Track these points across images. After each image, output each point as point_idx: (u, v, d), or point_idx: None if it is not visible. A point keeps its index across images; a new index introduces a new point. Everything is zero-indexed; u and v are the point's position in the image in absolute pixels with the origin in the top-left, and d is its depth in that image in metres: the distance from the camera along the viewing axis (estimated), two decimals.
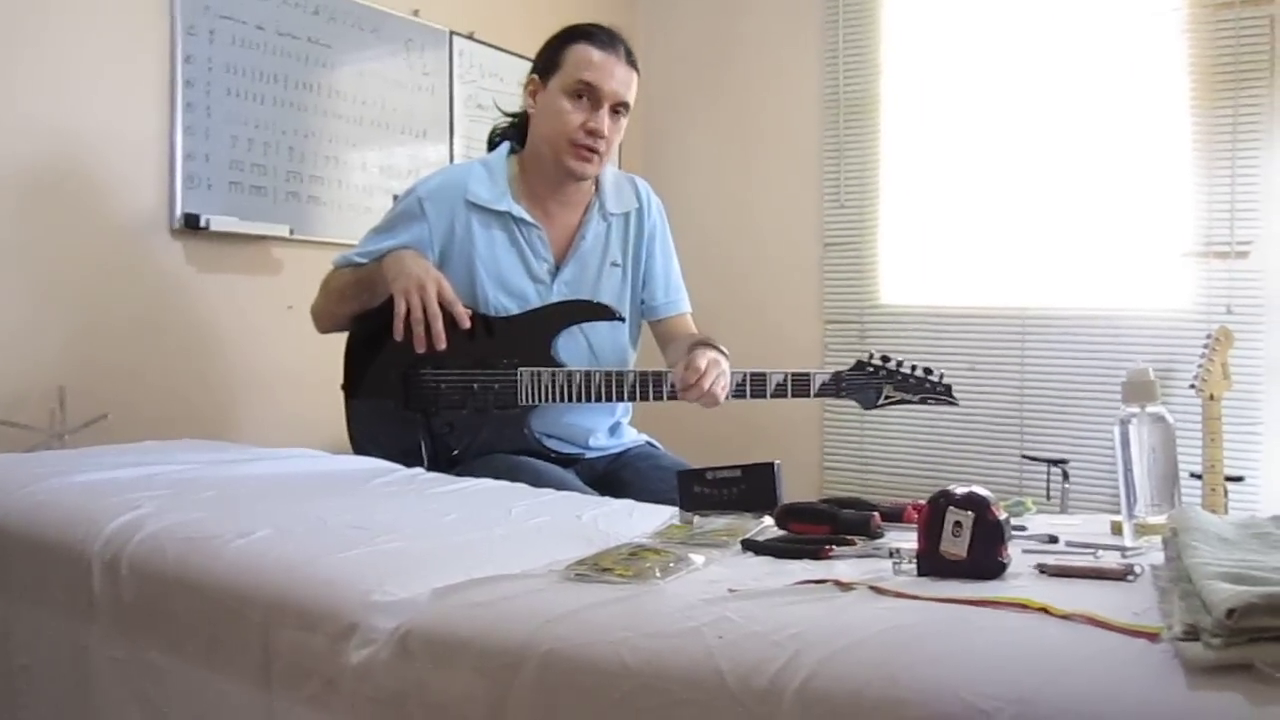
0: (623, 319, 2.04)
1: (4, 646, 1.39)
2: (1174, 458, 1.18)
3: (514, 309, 1.99)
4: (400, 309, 1.85)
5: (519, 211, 2.01)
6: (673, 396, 1.91)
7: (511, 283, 2.00)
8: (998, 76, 3.39)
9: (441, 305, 1.86)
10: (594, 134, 1.96)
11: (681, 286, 2.20)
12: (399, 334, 1.85)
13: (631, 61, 2.02)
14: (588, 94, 1.96)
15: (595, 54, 1.97)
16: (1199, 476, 2.76)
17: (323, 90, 2.85)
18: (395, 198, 2.89)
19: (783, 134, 3.80)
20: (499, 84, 3.29)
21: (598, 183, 2.10)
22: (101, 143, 2.39)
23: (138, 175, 2.46)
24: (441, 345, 1.85)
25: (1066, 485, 3.15)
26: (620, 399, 1.98)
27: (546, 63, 2.02)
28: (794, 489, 1.46)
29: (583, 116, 1.97)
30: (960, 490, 1.07)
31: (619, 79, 1.98)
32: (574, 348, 2.00)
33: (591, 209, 2.08)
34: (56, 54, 2.30)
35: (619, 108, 2.00)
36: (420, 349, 1.85)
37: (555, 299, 2.02)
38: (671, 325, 2.16)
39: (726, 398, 1.90)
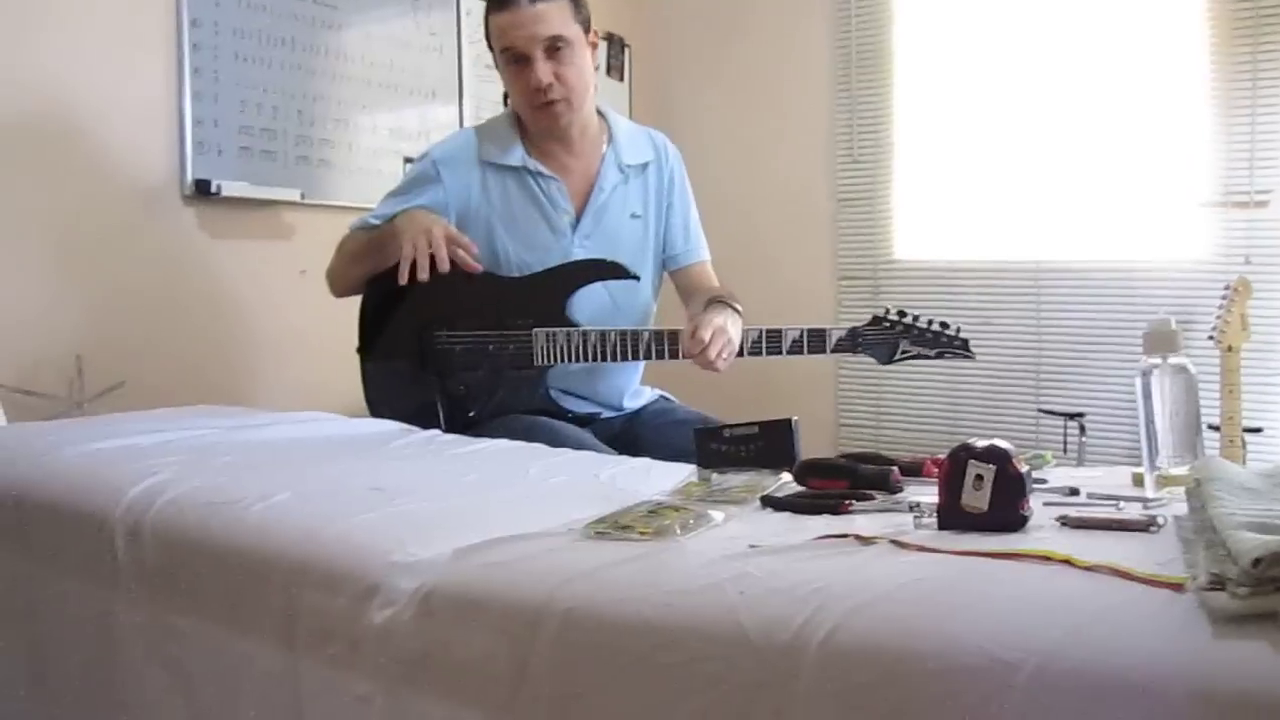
0: (638, 278, 2.03)
1: (29, 613, 1.41)
2: (1196, 408, 1.17)
3: (535, 264, 1.98)
4: (406, 251, 1.83)
5: (534, 165, 2.00)
6: (689, 355, 1.91)
7: (532, 237, 2.00)
8: (1013, 27, 3.34)
9: (453, 244, 1.85)
10: (537, 89, 1.93)
11: (701, 235, 2.19)
12: (403, 277, 1.83)
13: None
14: (515, 57, 1.93)
15: (500, 18, 1.92)
16: (1216, 428, 2.75)
17: (330, 53, 2.82)
18: (406, 160, 2.90)
19: (795, 90, 3.77)
20: None
21: (611, 135, 2.08)
22: (111, 110, 2.37)
23: (148, 142, 2.45)
24: (445, 267, 1.83)
25: (1083, 438, 3.14)
26: (635, 358, 1.97)
27: (487, 43, 2.01)
28: (809, 445, 1.46)
29: (523, 79, 1.94)
30: (981, 443, 1.06)
31: (528, 24, 1.90)
32: (595, 300, 1.99)
33: (607, 160, 2.06)
34: (62, 23, 2.28)
35: (553, 45, 1.92)
36: (423, 275, 1.82)
37: (577, 250, 2.01)
38: (691, 274, 2.15)
39: (736, 354, 1.89)
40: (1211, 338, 2.80)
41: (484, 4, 1.99)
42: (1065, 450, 3.13)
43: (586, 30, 1.99)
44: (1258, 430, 2.90)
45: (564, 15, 1.94)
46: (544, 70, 1.92)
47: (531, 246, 1.99)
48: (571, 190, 2.03)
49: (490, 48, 2.00)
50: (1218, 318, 2.80)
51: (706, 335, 1.82)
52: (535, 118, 1.97)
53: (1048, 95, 3.28)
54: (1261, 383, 2.96)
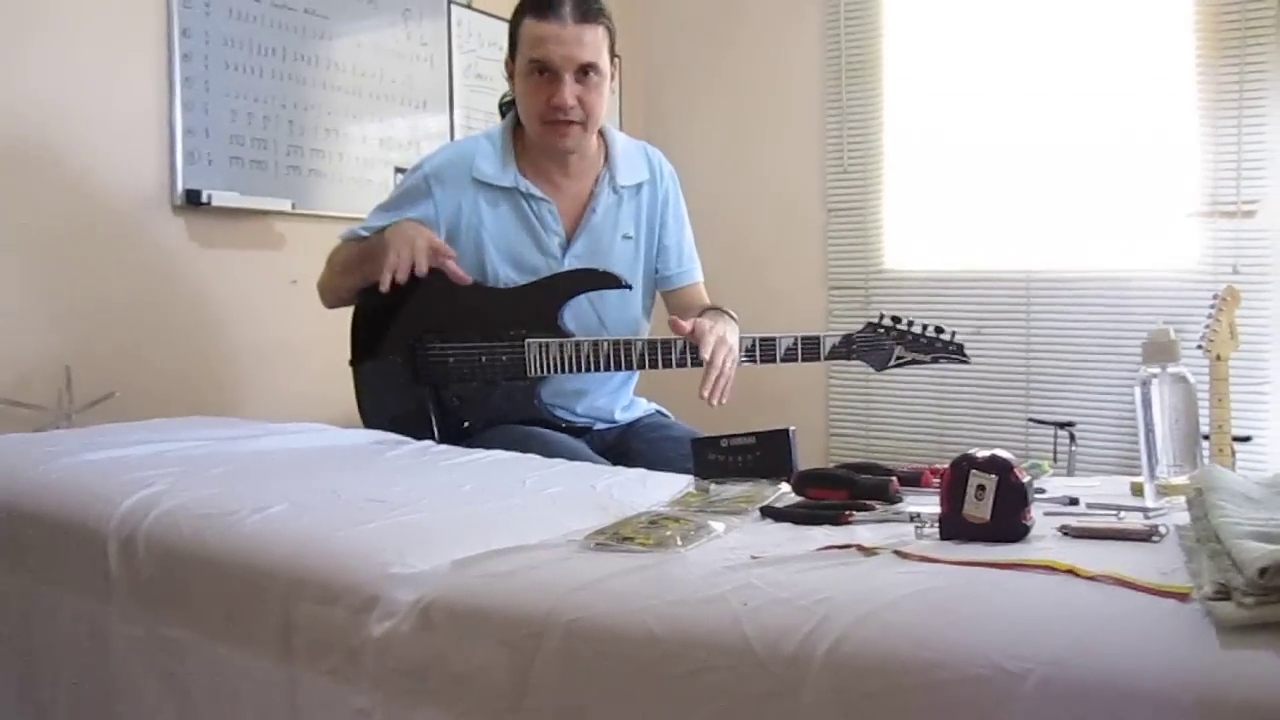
0: (630, 288, 2.01)
1: (23, 626, 1.39)
2: (1195, 418, 1.18)
3: (524, 283, 1.97)
4: (390, 260, 1.83)
5: (526, 186, 1.98)
6: (682, 364, 1.90)
7: (522, 258, 1.98)
8: (1001, 37, 3.35)
9: (438, 255, 1.85)
10: (558, 108, 1.90)
11: (694, 255, 2.17)
12: (385, 285, 1.83)
13: (586, 16, 1.89)
14: (544, 69, 1.90)
15: (540, 28, 1.88)
16: (1206, 437, 2.76)
17: (321, 62, 2.82)
18: (397, 170, 2.90)
19: (786, 100, 3.78)
20: (498, 53, 3.21)
21: (608, 154, 2.06)
22: (101, 120, 2.37)
23: (138, 152, 2.44)
24: (423, 270, 1.84)
25: (1073, 448, 3.15)
26: (629, 367, 1.96)
27: (509, 44, 1.97)
28: (801, 455, 1.45)
29: (545, 93, 1.90)
30: (982, 453, 1.06)
31: (569, 44, 1.88)
32: (584, 320, 1.98)
33: (601, 181, 2.04)
34: (53, 33, 2.27)
35: (586, 69, 1.90)
36: (402, 276, 1.82)
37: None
38: (685, 295, 2.14)
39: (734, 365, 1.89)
40: (1200, 347, 2.81)
41: (517, 4, 1.95)
42: (1055, 459, 3.13)
43: (612, 60, 1.97)
44: (1247, 439, 2.91)
45: (602, 44, 1.92)
46: (571, 91, 1.89)
47: (521, 267, 1.98)
48: (563, 210, 2.01)
49: (512, 50, 1.96)
50: (1206, 327, 2.81)
51: (707, 353, 1.80)
52: (545, 133, 1.94)
53: (1037, 106, 3.29)
54: (1250, 392, 2.97)
